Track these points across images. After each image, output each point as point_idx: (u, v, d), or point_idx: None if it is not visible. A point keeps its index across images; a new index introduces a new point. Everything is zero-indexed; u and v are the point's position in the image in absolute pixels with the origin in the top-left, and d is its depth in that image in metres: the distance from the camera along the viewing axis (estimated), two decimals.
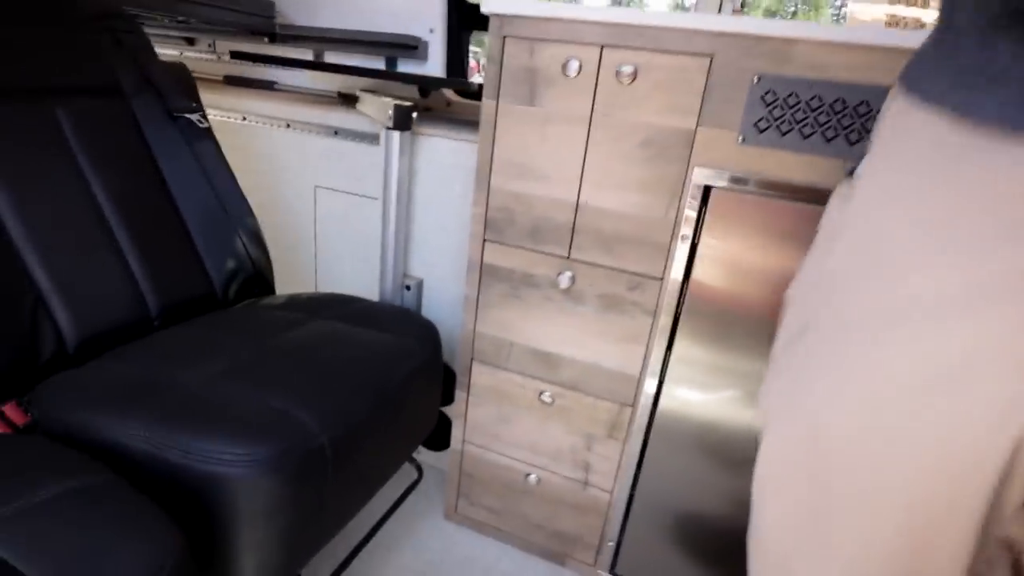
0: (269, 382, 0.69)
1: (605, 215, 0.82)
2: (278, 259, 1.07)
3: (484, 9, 0.78)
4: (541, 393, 0.95)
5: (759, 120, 0.71)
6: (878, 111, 0.67)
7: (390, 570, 1.01)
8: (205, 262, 0.95)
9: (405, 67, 1.22)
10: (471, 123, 1.10)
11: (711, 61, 0.71)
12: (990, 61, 0.28)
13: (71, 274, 0.77)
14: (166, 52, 1.40)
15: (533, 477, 1.01)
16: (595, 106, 0.78)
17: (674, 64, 0.73)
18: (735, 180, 0.74)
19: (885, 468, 0.31)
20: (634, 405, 0.89)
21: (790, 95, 0.69)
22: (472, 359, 0.99)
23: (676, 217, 0.79)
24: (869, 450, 0.32)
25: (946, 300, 0.28)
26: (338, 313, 0.92)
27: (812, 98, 0.69)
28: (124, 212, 0.85)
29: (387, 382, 0.77)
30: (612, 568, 1.00)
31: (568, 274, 0.87)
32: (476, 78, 1.26)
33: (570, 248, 0.86)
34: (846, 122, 0.68)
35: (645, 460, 0.91)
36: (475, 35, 1.30)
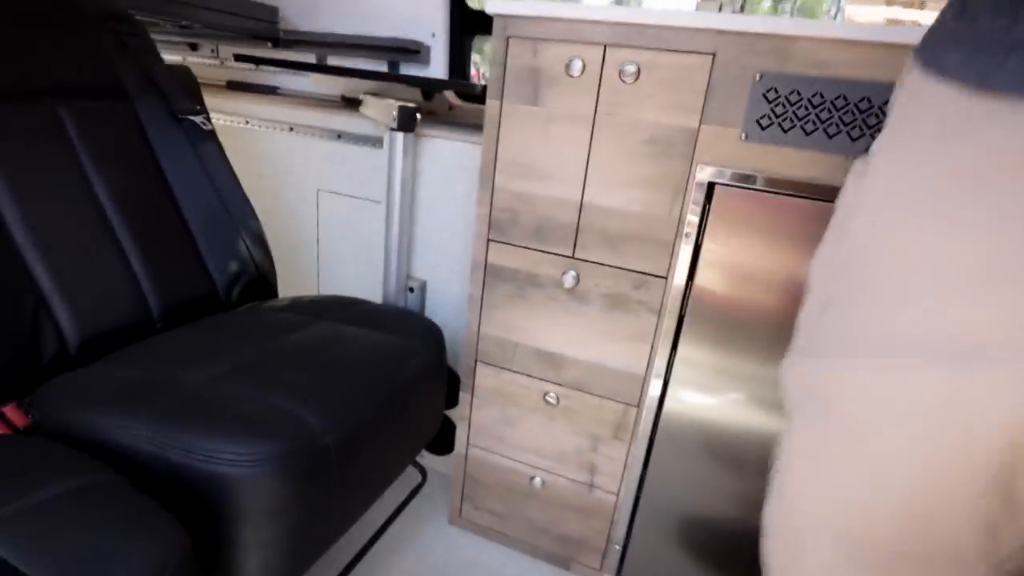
0: (273, 383, 0.68)
1: (609, 214, 0.82)
2: (280, 262, 1.07)
3: (488, 9, 0.79)
4: (546, 394, 0.95)
5: (761, 117, 0.72)
6: (880, 107, 0.68)
7: (394, 575, 0.99)
8: (208, 264, 0.95)
9: (408, 71, 1.22)
10: (474, 125, 1.11)
11: (713, 59, 0.72)
12: (1008, 30, 0.28)
13: (73, 275, 0.77)
14: (169, 58, 1.41)
15: (538, 480, 1.00)
16: (598, 105, 0.79)
17: (677, 62, 0.73)
18: (738, 177, 0.74)
19: (896, 439, 0.31)
20: (639, 406, 0.89)
21: (792, 92, 0.70)
22: (476, 360, 0.98)
23: (680, 215, 0.79)
24: (882, 422, 0.32)
25: (964, 273, 0.28)
26: (341, 315, 0.92)
27: (814, 95, 0.69)
28: (127, 213, 0.85)
29: (392, 383, 0.76)
30: (618, 572, 0.99)
31: (573, 273, 0.87)
32: None
33: (574, 247, 0.86)
34: (848, 118, 0.69)
35: (651, 462, 0.90)
36: (475, 43, 1.31)
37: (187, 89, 1.00)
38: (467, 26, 1.21)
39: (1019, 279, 0.27)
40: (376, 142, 1.15)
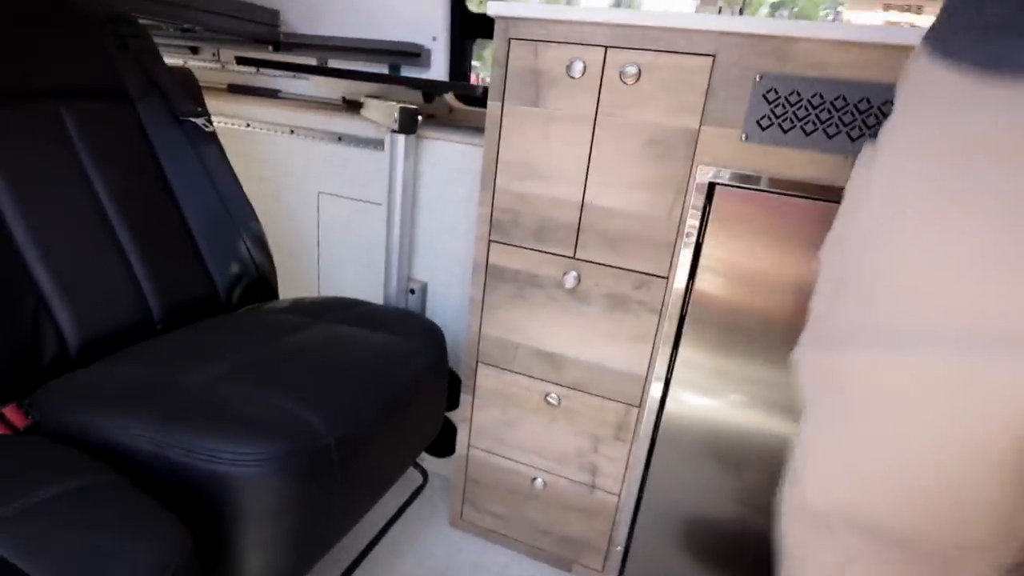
0: (274, 383, 0.68)
1: (610, 214, 0.83)
2: (281, 264, 1.07)
3: (490, 12, 0.79)
4: (547, 395, 0.95)
5: (761, 118, 0.72)
6: (879, 107, 0.69)
7: None
8: (208, 265, 0.95)
9: (409, 74, 1.23)
10: (475, 127, 1.11)
11: (714, 61, 0.72)
12: (1015, 16, 0.29)
13: (74, 276, 0.77)
14: (170, 61, 1.41)
15: (539, 481, 1.00)
16: (599, 106, 0.79)
17: (677, 64, 0.74)
18: (739, 177, 0.75)
19: (913, 426, 0.31)
20: (641, 406, 0.89)
21: (792, 93, 0.70)
22: (477, 361, 0.98)
23: (681, 215, 0.79)
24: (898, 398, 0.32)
25: (979, 258, 0.28)
26: (343, 316, 0.92)
27: (813, 96, 0.70)
28: (127, 214, 0.85)
29: (393, 384, 0.76)
30: (620, 573, 0.99)
31: (574, 274, 0.87)
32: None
33: (575, 248, 0.86)
34: (847, 119, 0.69)
35: (652, 463, 0.90)
36: (474, 49, 1.31)
37: (189, 91, 1.00)
38: (468, 29, 1.22)
39: None
40: (377, 144, 1.15)
